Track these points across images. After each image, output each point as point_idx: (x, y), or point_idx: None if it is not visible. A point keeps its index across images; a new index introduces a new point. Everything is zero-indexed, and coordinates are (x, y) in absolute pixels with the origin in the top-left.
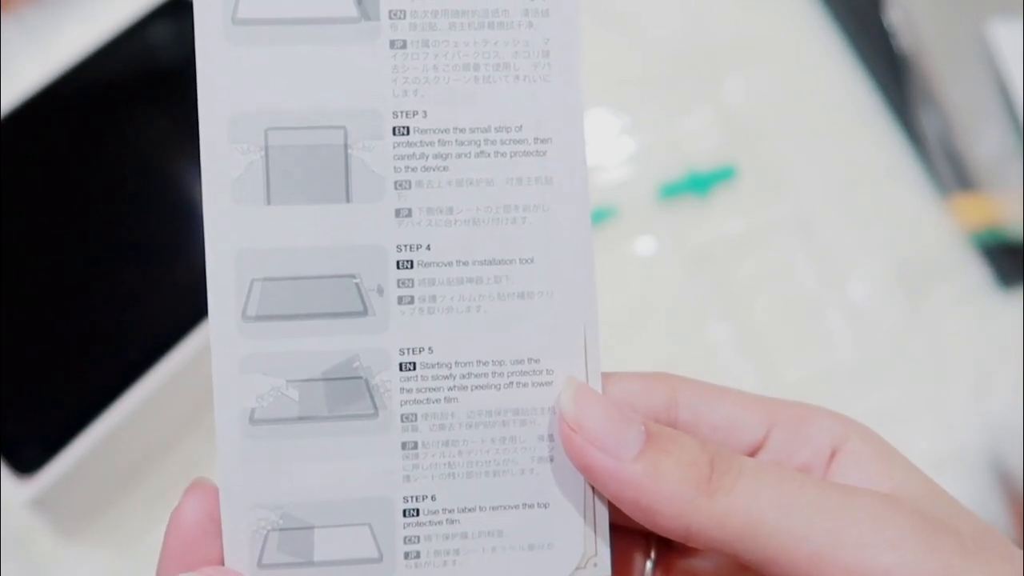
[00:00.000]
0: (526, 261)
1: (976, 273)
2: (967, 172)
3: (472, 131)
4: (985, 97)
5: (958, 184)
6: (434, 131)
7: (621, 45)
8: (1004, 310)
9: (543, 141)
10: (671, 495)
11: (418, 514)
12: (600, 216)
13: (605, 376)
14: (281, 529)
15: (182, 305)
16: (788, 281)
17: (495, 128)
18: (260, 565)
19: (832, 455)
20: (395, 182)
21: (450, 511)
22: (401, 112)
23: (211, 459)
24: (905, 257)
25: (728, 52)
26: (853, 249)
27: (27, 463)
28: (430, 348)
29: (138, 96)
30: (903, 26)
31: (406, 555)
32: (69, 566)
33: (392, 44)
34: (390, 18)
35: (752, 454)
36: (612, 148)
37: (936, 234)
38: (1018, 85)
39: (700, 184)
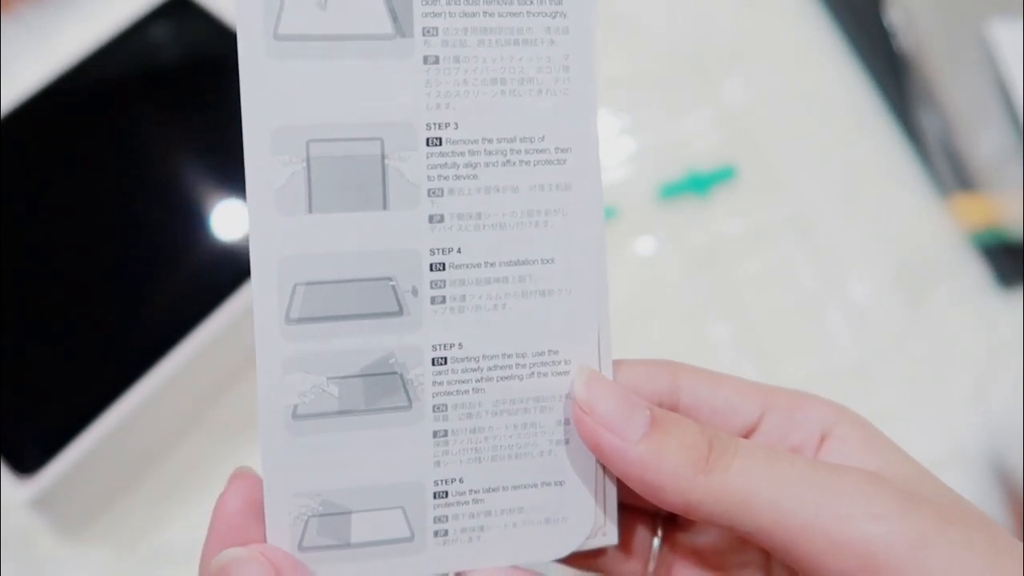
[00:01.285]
0: (547, 261)
1: (976, 273)
2: (967, 172)
3: (499, 141)
4: (985, 97)
5: (958, 184)
6: (465, 142)
7: (621, 45)
8: (1004, 310)
9: (563, 150)
10: (673, 473)
11: (447, 496)
12: None
13: (614, 363)
14: (321, 515)
15: (182, 305)
16: (788, 281)
17: (520, 138)
18: (301, 548)
19: (822, 439)
20: (428, 190)
21: (476, 492)
22: (434, 124)
23: (212, 459)
24: (905, 257)
25: (728, 52)
26: (853, 249)
27: (27, 463)
28: (460, 344)
29: (138, 96)
30: (903, 26)
31: (435, 533)
32: (69, 566)
33: (425, 60)
34: (423, 35)
35: (747, 435)
36: (612, 148)
37: (936, 234)
38: (1018, 85)
39: (700, 184)
